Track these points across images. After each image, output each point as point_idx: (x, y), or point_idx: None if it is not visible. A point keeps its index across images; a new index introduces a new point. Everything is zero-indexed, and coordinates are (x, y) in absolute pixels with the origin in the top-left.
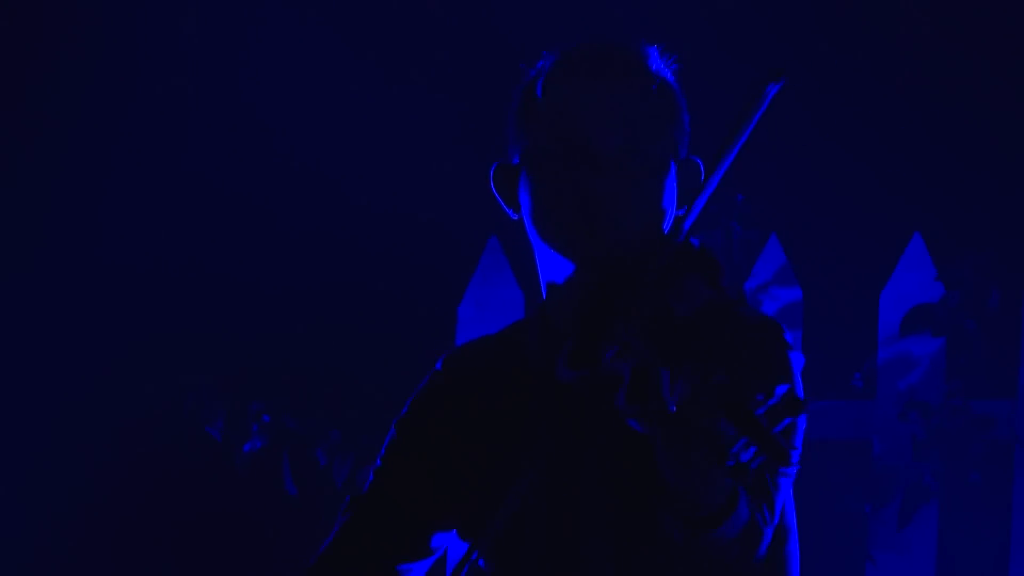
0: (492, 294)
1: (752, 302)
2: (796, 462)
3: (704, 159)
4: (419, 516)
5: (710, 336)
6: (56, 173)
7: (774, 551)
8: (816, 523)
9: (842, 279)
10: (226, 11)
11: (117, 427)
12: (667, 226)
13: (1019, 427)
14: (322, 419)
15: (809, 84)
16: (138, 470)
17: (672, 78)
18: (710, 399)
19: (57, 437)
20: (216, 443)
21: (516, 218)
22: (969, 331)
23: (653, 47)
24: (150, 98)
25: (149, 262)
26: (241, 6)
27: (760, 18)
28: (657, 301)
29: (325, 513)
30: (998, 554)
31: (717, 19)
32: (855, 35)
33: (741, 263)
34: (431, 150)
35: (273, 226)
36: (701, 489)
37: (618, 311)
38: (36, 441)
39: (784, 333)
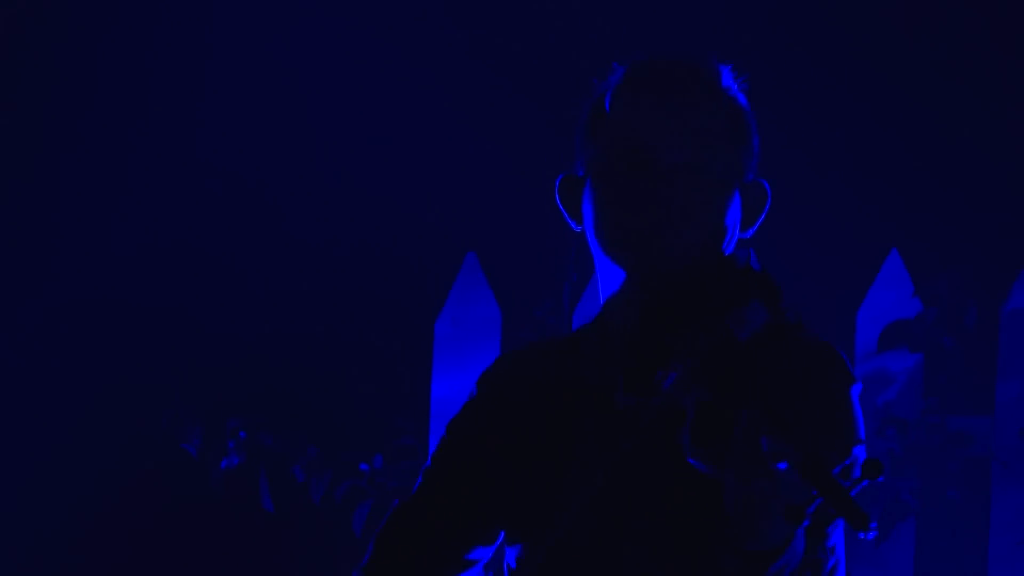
0: (470, 311)
1: None
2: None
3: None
4: (463, 526)
5: (770, 366)
6: (29, 188)
7: None
8: None
9: (819, 295)
10: (197, 14)
11: (93, 444)
12: (729, 248)
13: (996, 444)
14: (299, 436)
15: (785, 100)
16: (114, 487)
17: (742, 99)
18: (782, 450)
19: (31, 453)
20: (193, 460)
21: (579, 230)
22: (946, 348)
23: (724, 65)
24: (115, 113)
25: (126, 279)
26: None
27: (735, 33)
28: (718, 328)
29: (303, 530)
30: (975, 571)
31: (685, 30)
32: (831, 51)
33: None
34: (409, 166)
35: (250, 243)
36: (764, 528)
37: (678, 336)
38: (9, 457)
39: (845, 363)
